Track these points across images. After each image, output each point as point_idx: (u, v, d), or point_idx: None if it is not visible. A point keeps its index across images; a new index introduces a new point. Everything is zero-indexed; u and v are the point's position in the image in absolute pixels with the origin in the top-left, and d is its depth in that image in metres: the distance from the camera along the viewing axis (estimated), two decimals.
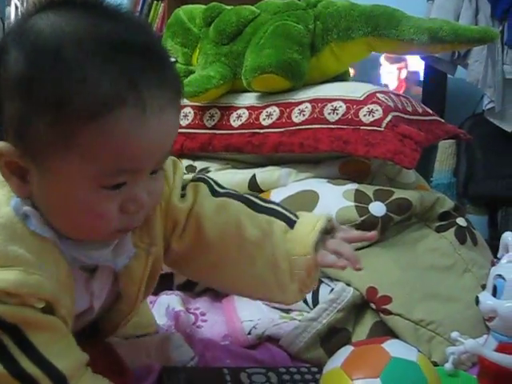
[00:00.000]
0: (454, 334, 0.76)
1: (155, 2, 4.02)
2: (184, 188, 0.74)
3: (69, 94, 0.53)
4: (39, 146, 0.55)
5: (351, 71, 1.47)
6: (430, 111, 1.28)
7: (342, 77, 1.33)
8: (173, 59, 1.41)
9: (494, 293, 0.71)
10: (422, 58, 2.56)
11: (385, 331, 0.90)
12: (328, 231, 0.70)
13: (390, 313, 0.90)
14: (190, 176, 0.78)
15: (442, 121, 1.29)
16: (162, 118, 0.57)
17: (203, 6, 1.38)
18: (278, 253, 0.70)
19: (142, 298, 0.74)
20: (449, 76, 2.68)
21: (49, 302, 0.59)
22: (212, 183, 0.76)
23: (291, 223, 0.72)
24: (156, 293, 1.08)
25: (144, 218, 0.63)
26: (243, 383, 0.75)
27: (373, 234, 0.72)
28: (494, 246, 1.17)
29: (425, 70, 2.71)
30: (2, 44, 0.57)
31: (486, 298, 0.72)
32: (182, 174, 0.75)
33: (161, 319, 0.97)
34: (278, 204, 0.76)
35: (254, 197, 0.77)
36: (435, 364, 0.80)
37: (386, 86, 2.63)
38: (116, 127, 0.54)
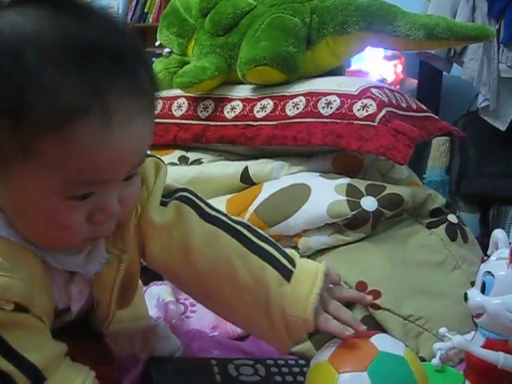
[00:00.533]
0: (442, 330, 0.76)
1: None
2: (166, 197, 0.70)
3: (27, 103, 0.49)
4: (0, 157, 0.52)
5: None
6: (424, 107, 1.28)
7: (337, 71, 1.33)
8: (168, 50, 1.41)
9: (483, 289, 0.71)
10: (417, 55, 2.56)
11: (373, 326, 0.90)
12: (328, 284, 0.67)
13: (378, 307, 0.90)
14: (175, 185, 0.74)
15: (436, 117, 1.29)
16: (131, 128, 0.53)
17: None
18: (274, 309, 0.66)
19: (117, 306, 0.71)
20: (444, 73, 2.69)
21: (19, 303, 0.57)
22: (199, 204, 0.72)
23: (286, 274, 0.67)
24: (146, 283, 1.08)
25: (115, 225, 0.60)
26: (231, 375, 0.75)
27: (371, 298, 0.71)
28: (485, 243, 1.17)
29: (420, 67, 2.71)
30: None
31: (474, 295, 0.72)
32: (164, 179, 0.71)
33: (151, 310, 0.97)
34: (272, 243, 0.72)
35: (247, 229, 0.71)
36: (423, 359, 0.80)
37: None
38: (78, 139, 0.50)
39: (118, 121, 0.51)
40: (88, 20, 0.54)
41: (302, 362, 0.81)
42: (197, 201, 0.72)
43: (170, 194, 0.71)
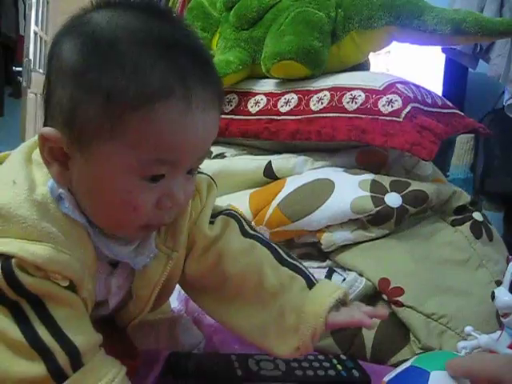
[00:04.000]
0: (468, 329, 0.75)
1: None
2: (213, 216, 0.75)
3: (120, 82, 0.55)
4: (87, 130, 0.57)
5: None
6: (450, 104, 1.26)
7: (361, 66, 1.32)
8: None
9: (511, 289, 0.70)
10: (443, 51, 2.53)
11: (396, 323, 0.90)
12: (343, 303, 0.69)
13: (401, 305, 0.89)
14: (222, 206, 0.79)
15: (462, 114, 1.27)
16: (206, 114, 0.58)
17: None
18: (289, 305, 0.69)
19: (153, 304, 0.73)
20: (469, 70, 2.65)
21: (73, 281, 0.60)
22: (243, 222, 0.77)
23: (310, 284, 0.71)
24: None
25: (173, 218, 0.64)
26: (251, 370, 0.75)
27: (385, 312, 0.70)
28: (509, 242, 1.16)
29: (446, 63, 2.68)
30: (55, 39, 0.60)
31: (502, 294, 0.71)
32: (215, 197, 0.76)
33: (173, 303, 0.97)
34: (300, 262, 0.75)
35: (280, 248, 0.76)
36: None
37: None
38: (162, 116, 0.55)
39: (197, 105, 0.57)
40: (167, 20, 0.61)
41: (321, 356, 0.81)
42: (241, 218, 0.78)
43: (216, 214, 0.76)
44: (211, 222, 0.74)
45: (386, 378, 0.64)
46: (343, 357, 0.82)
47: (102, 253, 0.64)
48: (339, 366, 0.79)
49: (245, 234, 0.76)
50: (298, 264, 0.74)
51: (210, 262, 0.72)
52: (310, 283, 0.71)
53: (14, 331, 0.57)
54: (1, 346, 0.57)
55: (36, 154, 0.63)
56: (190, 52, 0.58)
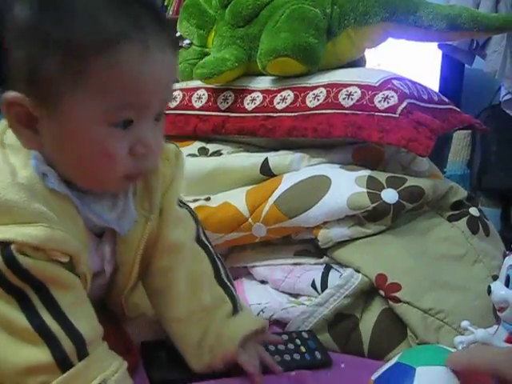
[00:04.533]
0: (465, 323, 0.75)
1: None
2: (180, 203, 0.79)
3: (76, 31, 0.56)
4: (51, 86, 0.57)
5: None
6: (446, 100, 1.26)
7: (357, 63, 1.32)
8: (187, 41, 1.41)
9: (507, 283, 0.70)
10: (439, 47, 2.53)
11: (393, 319, 0.90)
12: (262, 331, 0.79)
13: (398, 300, 0.89)
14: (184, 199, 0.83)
15: (458, 110, 1.27)
16: (164, 55, 0.60)
17: None
18: (213, 326, 0.75)
19: (138, 271, 0.74)
20: (466, 66, 2.65)
21: (72, 256, 0.61)
22: (200, 227, 0.83)
23: (235, 311, 0.78)
24: None
25: (151, 167, 0.66)
26: None
27: (280, 370, 0.75)
28: (506, 238, 1.16)
29: (442, 59, 2.68)
30: (2, 3, 0.60)
31: (498, 288, 0.71)
32: (183, 168, 0.80)
33: None
34: (233, 285, 0.83)
35: (222, 266, 0.82)
36: None
37: None
38: (122, 61, 0.57)
39: (154, 46, 0.59)
40: None
41: (284, 336, 0.84)
42: (199, 222, 0.84)
43: (182, 204, 0.80)
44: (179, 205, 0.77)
45: (373, 377, 0.65)
46: (305, 334, 0.86)
47: (91, 222, 0.66)
48: (302, 348, 0.82)
49: (198, 239, 0.80)
50: (230, 287, 0.81)
51: (166, 245, 0.75)
52: (235, 310, 0.78)
53: (20, 318, 0.57)
54: (6, 333, 0.57)
55: (7, 138, 0.63)
56: (145, 3, 0.60)
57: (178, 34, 1.43)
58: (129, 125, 0.60)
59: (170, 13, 4.04)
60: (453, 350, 0.64)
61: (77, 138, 0.60)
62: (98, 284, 0.72)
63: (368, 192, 0.97)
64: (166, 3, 4.06)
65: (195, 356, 0.73)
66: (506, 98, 2.39)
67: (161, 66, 0.60)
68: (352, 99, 1.09)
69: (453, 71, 2.69)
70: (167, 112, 1.26)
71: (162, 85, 0.62)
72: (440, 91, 1.31)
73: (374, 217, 0.97)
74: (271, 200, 1.02)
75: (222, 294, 0.78)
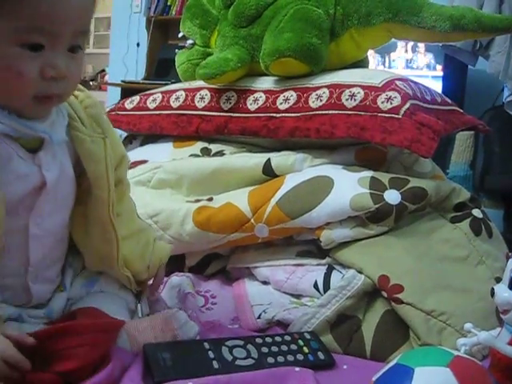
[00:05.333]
0: (468, 325, 0.75)
1: None
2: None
3: None
4: None
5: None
6: (449, 101, 1.26)
7: (360, 63, 1.32)
8: (190, 41, 1.41)
9: (511, 286, 0.70)
10: (442, 48, 2.53)
11: (395, 320, 0.90)
12: None
13: (401, 302, 0.89)
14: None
15: (461, 111, 1.27)
16: None
17: None
18: (151, 239, 0.91)
19: (113, 183, 0.80)
20: (469, 67, 2.65)
21: None
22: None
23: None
24: (167, 274, 1.08)
25: (66, 94, 0.72)
26: (227, 359, 0.77)
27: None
28: (509, 239, 1.16)
29: (444, 60, 2.68)
30: None
31: (501, 290, 0.71)
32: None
33: (172, 301, 0.98)
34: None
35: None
36: None
37: None
38: None
39: None
40: None
41: (287, 337, 0.84)
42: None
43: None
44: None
45: (374, 378, 0.65)
46: (307, 335, 0.86)
47: (20, 133, 0.70)
48: (305, 349, 0.82)
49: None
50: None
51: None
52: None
53: None
54: None
55: None
56: None
57: (180, 35, 1.43)
58: (40, 49, 0.65)
59: (173, 13, 4.05)
60: (453, 352, 0.64)
61: None
62: (43, 202, 0.74)
63: (371, 193, 0.97)
64: (169, 3, 4.07)
65: (140, 264, 0.87)
66: (509, 99, 2.39)
67: None
68: (355, 100, 1.09)
69: (456, 72, 2.69)
70: (169, 112, 1.28)
71: (73, 16, 0.67)
72: (443, 92, 1.31)
73: (376, 218, 0.97)
74: (274, 200, 1.02)
75: (145, 225, 0.95)
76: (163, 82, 1.43)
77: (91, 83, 5.95)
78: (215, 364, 0.76)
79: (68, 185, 0.78)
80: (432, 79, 2.74)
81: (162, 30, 4.17)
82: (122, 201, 0.87)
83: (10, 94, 0.68)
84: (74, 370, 0.66)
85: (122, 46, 4.36)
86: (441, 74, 2.76)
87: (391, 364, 0.64)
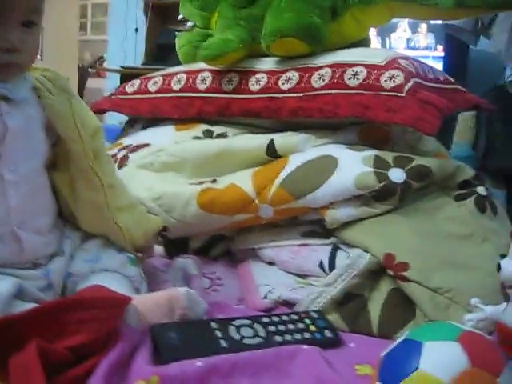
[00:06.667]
0: (474, 300, 0.75)
1: None
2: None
3: None
4: None
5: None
6: (452, 80, 1.25)
7: (362, 43, 1.31)
8: (190, 23, 1.40)
9: None
10: (443, 28, 2.51)
11: (401, 298, 0.90)
12: None
13: (407, 280, 0.89)
14: None
15: (464, 90, 1.26)
16: None
17: None
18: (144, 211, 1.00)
19: (88, 139, 0.85)
20: (470, 47, 2.63)
21: None
22: None
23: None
24: (171, 256, 1.09)
25: (24, 64, 0.79)
26: (234, 338, 0.77)
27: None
28: (511, 219, 1.15)
29: (445, 39, 2.66)
30: None
31: (508, 265, 0.70)
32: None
33: (178, 282, 0.98)
34: None
35: None
36: None
37: None
38: None
39: None
40: None
41: (294, 316, 0.84)
42: None
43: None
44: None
45: (383, 353, 0.65)
46: (314, 314, 0.86)
47: None
48: (312, 327, 0.83)
49: None
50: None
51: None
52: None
53: None
54: None
55: None
56: None
57: (180, 17, 1.42)
58: None
59: None
60: (462, 327, 0.64)
61: None
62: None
63: (375, 172, 0.97)
64: None
65: (136, 230, 0.92)
66: (511, 78, 2.37)
67: None
68: (358, 79, 1.08)
69: (457, 52, 2.67)
70: (171, 95, 1.28)
71: None
72: (444, 72, 1.30)
73: (381, 196, 0.96)
74: (278, 181, 1.01)
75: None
76: (162, 67, 1.41)
77: (90, 70, 5.93)
78: (223, 343, 0.76)
79: (37, 134, 0.83)
80: (433, 60, 2.72)
81: (161, 14, 4.14)
82: (111, 172, 0.94)
83: None
84: (83, 345, 0.66)
85: (120, 32, 4.33)
86: (442, 54, 2.75)
87: (400, 339, 0.65)
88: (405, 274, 0.89)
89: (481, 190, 1.06)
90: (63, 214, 0.90)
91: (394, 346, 0.64)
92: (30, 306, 0.72)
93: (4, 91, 0.78)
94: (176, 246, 1.11)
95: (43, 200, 0.86)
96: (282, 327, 0.81)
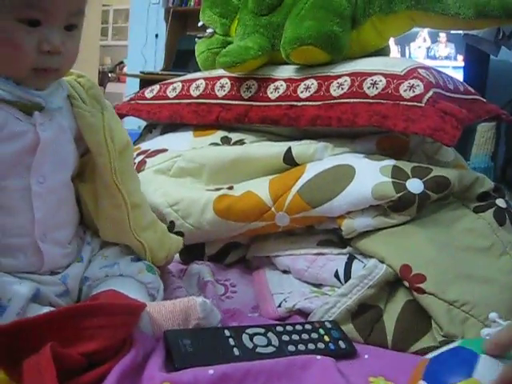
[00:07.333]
0: (493, 315, 0.74)
1: None
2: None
3: None
4: None
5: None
6: (472, 90, 1.25)
7: (382, 52, 1.30)
8: (210, 30, 1.40)
9: None
10: (464, 38, 2.50)
11: (417, 310, 0.89)
12: None
13: (423, 292, 0.88)
14: None
15: (484, 100, 1.25)
16: None
17: None
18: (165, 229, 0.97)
19: (116, 155, 0.84)
20: (491, 57, 2.61)
21: None
22: None
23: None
24: (187, 262, 1.09)
25: (62, 69, 0.77)
26: (247, 347, 0.77)
27: None
28: None
29: (466, 50, 2.64)
30: None
31: None
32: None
33: (192, 289, 0.98)
34: None
35: None
36: None
37: None
38: None
39: None
40: None
41: (308, 326, 0.84)
42: None
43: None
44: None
45: (430, 355, 0.64)
46: (328, 324, 0.85)
47: (16, 95, 0.75)
48: (326, 338, 0.82)
49: None
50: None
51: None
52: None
53: None
54: None
55: None
56: None
57: (200, 24, 1.43)
58: (37, 25, 0.71)
59: (192, 3, 4.05)
60: None
61: None
62: (25, 145, 0.77)
63: (393, 182, 0.96)
64: None
65: (160, 252, 0.92)
66: None
67: None
68: (377, 88, 1.08)
69: (477, 63, 2.65)
70: (189, 101, 1.28)
71: None
72: (464, 82, 1.29)
73: (398, 207, 0.96)
74: (295, 189, 1.01)
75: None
76: (182, 73, 1.43)
77: (110, 75, 5.98)
78: (236, 351, 0.76)
79: (67, 146, 0.83)
80: (453, 70, 2.71)
81: (181, 21, 4.17)
82: (136, 190, 0.91)
83: (9, 65, 0.74)
84: (97, 351, 0.66)
85: (140, 38, 4.37)
86: (462, 64, 2.73)
87: (450, 346, 0.63)
88: (421, 285, 0.88)
89: (500, 202, 1.05)
90: (85, 221, 0.90)
91: (445, 351, 0.63)
92: (46, 309, 0.73)
93: (39, 100, 0.77)
94: (191, 252, 1.11)
95: (67, 213, 0.85)
96: (295, 337, 0.81)
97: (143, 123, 1.48)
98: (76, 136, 0.84)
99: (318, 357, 0.75)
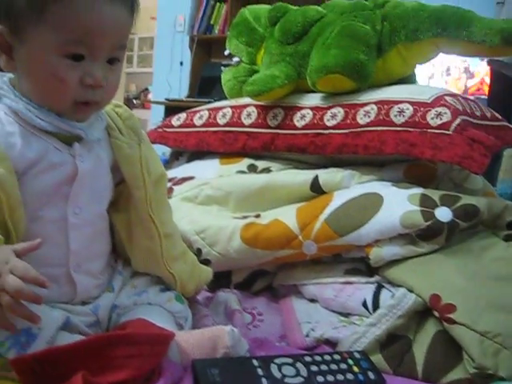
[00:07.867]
0: None
1: (218, 3, 4.07)
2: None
3: None
4: (19, 20, 0.72)
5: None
6: (499, 116, 1.24)
7: (407, 79, 1.30)
8: (237, 59, 1.42)
9: None
10: (489, 63, 2.49)
11: (448, 341, 0.87)
12: None
13: (453, 322, 0.86)
14: None
15: (511, 126, 1.25)
16: (113, 6, 0.73)
17: (268, 6, 1.39)
18: (196, 266, 0.96)
19: (151, 187, 0.85)
20: None
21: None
22: None
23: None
24: (213, 290, 1.08)
25: (103, 102, 0.79)
26: (276, 377, 0.76)
27: None
28: None
29: (491, 75, 2.63)
30: None
31: None
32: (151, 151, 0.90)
33: (219, 317, 0.98)
34: None
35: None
36: (502, 379, 0.77)
37: None
38: (75, 5, 0.71)
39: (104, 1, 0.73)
40: None
41: (336, 356, 0.82)
42: None
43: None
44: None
45: None
46: (357, 354, 0.84)
47: (59, 129, 0.76)
48: (355, 368, 0.81)
49: None
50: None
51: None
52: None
53: None
54: None
55: None
56: None
57: (227, 52, 1.45)
58: (81, 59, 0.73)
59: (216, 31, 4.10)
60: None
61: (37, 63, 0.73)
62: (63, 177, 0.77)
63: (421, 210, 0.96)
64: (211, 22, 4.12)
65: (189, 283, 0.92)
66: None
67: (108, 15, 0.73)
68: (404, 116, 1.08)
69: (503, 88, 2.64)
70: (216, 129, 1.29)
71: (111, 31, 0.74)
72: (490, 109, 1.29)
73: (427, 235, 0.95)
74: (322, 217, 1.01)
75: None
76: (206, 100, 1.45)
77: (134, 101, 6.06)
78: (264, 381, 0.75)
79: (104, 178, 0.83)
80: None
81: (205, 48, 4.23)
82: (169, 221, 0.91)
83: (52, 98, 0.75)
84: (127, 381, 0.66)
85: (165, 65, 4.44)
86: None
87: None
88: (451, 315, 0.86)
89: None
90: (116, 250, 0.90)
91: None
92: (77, 337, 0.73)
93: (80, 132, 0.78)
94: (218, 279, 1.11)
95: (101, 244, 0.86)
96: (324, 367, 0.80)
97: (168, 150, 1.49)
98: (112, 166, 0.85)
99: None
